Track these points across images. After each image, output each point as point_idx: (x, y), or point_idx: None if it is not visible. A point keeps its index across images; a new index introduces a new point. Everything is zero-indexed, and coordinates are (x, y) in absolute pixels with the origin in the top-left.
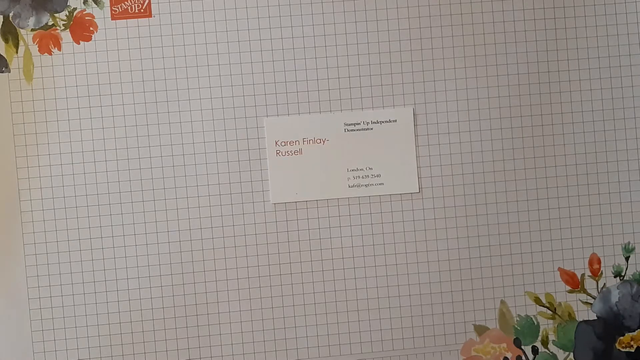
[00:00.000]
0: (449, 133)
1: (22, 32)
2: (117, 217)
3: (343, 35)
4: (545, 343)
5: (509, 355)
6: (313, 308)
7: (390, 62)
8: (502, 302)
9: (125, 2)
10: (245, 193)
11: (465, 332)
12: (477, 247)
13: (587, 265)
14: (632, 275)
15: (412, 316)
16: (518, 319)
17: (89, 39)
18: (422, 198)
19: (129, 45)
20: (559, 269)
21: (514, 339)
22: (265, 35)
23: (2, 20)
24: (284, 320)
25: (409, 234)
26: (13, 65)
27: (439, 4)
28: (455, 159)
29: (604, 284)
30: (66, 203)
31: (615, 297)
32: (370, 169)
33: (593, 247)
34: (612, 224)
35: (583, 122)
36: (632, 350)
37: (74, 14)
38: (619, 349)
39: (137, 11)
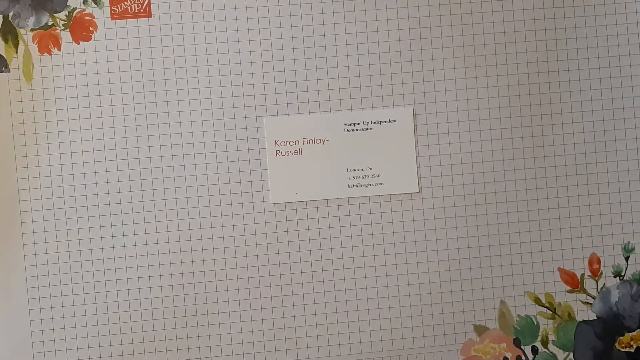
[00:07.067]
0: (449, 133)
1: (21, 32)
2: (117, 217)
3: (343, 35)
4: (545, 343)
5: (508, 355)
6: (313, 308)
7: (390, 62)
8: (502, 302)
9: (125, 2)
10: (245, 193)
11: (465, 332)
12: (477, 247)
13: (587, 265)
14: (631, 275)
15: (412, 316)
16: (518, 319)
17: (88, 39)
18: (422, 198)
19: (128, 45)
20: (559, 269)
21: (514, 339)
22: (265, 35)
23: (1, 20)
24: (284, 320)
25: (409, 234)
26: (13, 65)
27: (439, 4)
28: (455, 159)
29: (604, 284)
30: (66, 203)
31: (615, 297)
32: (370, 169)
33: (593, 247)
34: (612, 224)
35: (583, 122)
36: (632, 350)
37: (74, 14)
38: (618, 349)
39: (136, 11)
